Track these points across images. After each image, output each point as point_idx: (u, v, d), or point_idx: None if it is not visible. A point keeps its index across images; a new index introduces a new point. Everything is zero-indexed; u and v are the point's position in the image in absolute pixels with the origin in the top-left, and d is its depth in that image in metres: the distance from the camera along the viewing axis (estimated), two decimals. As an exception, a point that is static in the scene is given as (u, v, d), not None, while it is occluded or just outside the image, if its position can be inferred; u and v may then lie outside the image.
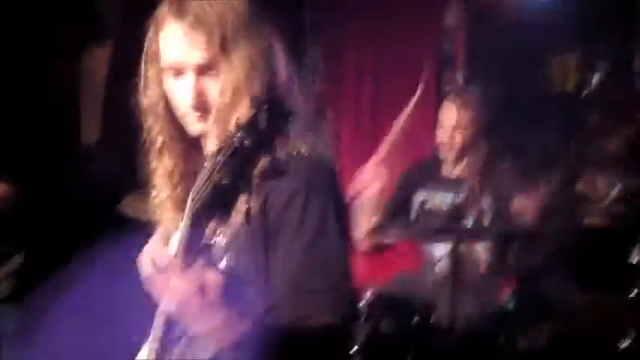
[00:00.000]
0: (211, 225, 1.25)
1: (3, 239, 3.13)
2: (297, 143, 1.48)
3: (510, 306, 3.06)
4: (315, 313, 1.43)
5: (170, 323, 1.40)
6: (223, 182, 1.14)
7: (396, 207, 3.62)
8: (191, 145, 1.65)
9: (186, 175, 1.66)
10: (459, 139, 3.51)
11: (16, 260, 3.19)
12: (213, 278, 1.24)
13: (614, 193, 4.09)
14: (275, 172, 1.16)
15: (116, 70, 4.70)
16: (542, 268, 3.44)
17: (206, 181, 1.17)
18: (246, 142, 1.11)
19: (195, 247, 1.25)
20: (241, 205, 1.17)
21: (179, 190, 1.66)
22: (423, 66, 4.59)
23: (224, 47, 1.50)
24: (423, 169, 3.72)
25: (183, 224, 1.25)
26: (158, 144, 1.64)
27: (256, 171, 1.14)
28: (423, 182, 3.65)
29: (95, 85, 4.78)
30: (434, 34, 4.68)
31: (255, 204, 1.40)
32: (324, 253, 1.47)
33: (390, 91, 4.58)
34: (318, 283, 1.45)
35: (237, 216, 1.43)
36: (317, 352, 1.43)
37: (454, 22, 4.70)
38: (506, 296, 3.12)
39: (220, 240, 1.36)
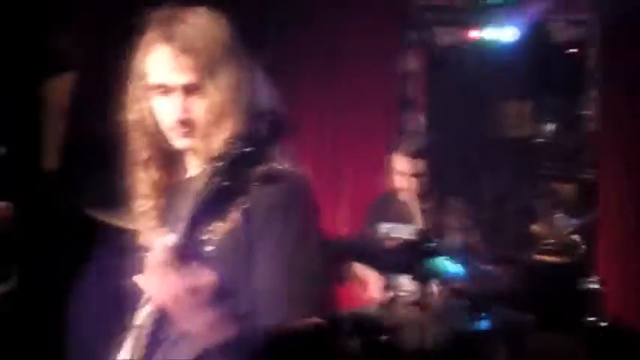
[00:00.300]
0: (204, 229, 1.32)
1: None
2: (278, 159, 1.54)
3: (476, 328, 3.10)
4: (292, 319, 1.51)
5: (159, 322, 1.43)
6: (224, 184, 1.21)
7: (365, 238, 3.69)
8: (174, 159, 1.72)
9: (169, 187, 1.73)
10: (413, 184, 3.62)
11: (13, 281, 3.13)
12: (205, 279, 1.29)
13: (568, 230, 4.25)
14: (271, 178, 1.25)
15: (78, 101, 4.73)
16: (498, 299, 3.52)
17: (206, 184, 1.23)
18: (248, 150, 1.20)
19: (190, 249, 1.31)
20: (236, 207, 1.25)
21: (163, 200, 1.72)
22: (385, 107, 4.76)
23: (211, 70, 1.58)
24: (385, 204, 3.79)
25: (181, 226, 1.30)
26: (144, 156, 1.69)
27: (254, 176, 1.22)
28: (385, 215, 3.73)
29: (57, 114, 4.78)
30: (395, 78, 4.79)
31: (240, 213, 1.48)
32: (302, 265, 1.54)
33: (350, 131, 4.67)
34: (296, 290, 1.52)
35: (226, 224, 1.50)
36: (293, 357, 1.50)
37: (414, 66, 4.85)
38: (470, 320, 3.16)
39: (211, 244, 1.40)
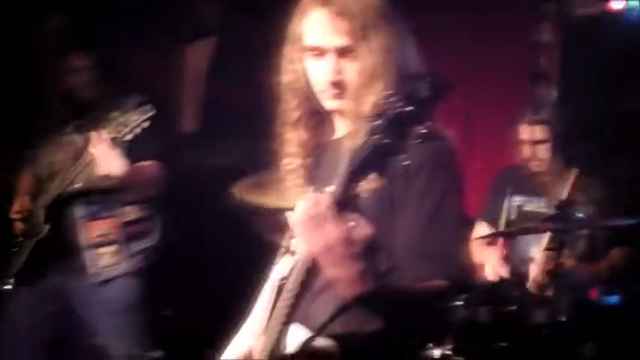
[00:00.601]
0: (358, 185, 1.36)
1: (144, 218, 3.31)
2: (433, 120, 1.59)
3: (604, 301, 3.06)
4: (430, 277, 1.55)
5: (303, 274, 1.50)
6: (384, 142, 1.25)
7: (491, 209, 3.69)
8: (322, 120, 1.82)
9: (316, 147, 1.83)
10: (540, 153, 3.57)
11: (153, 238, 3.35)
12: (358, 231, 1.34)
13: None
14: (429, 138, 1.27)
15: (216, 65, 4.92)
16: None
17: (364, 142, 1.28)
18: (409, 108, 1.23)
19: (344, 203, 1.35)
20: (394, 165, 1.28)
21: (310, 159, 1.83)
22: (517, 80, 4.70)
23: (364, 33, 1.64)
24: (515, 175, 3.77)
25: (337, 180, 1.36)
26: (295, 117, 1.80)
27: (413, 135, 1.25)
28: (516, 187, 3.71)
29: (197, 79, 4.99)
30: (528, 50, 4.71)
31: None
32: (443, 224, 1.59)
33: (481, 103, 4.63)
34: (435, 250, 1.57)
35: (373, 182, 1.56)
36: (425, 315, 1.55)
37: (549, 38, 4.75)
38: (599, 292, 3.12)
39: (360, 199, 1.44)
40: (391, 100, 1.26)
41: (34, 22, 3.55)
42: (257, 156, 4.68)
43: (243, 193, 3.37)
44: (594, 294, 3.15)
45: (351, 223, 1.37)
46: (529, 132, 3.61)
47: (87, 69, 3.11)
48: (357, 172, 1.30)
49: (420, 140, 1.26)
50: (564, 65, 4.75)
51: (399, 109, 1.23)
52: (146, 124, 2.86)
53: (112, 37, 3.56)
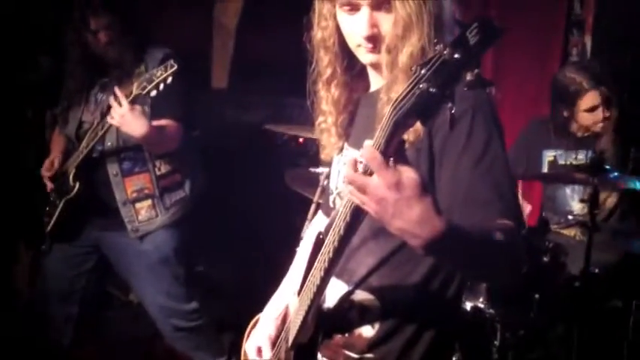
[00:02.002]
0: (402, 136, 1.32)
1: (176, 171, 3.35)
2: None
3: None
4: (486, 218, 1.49)
5: (349, 228, 1.46)
6: (431, 90, 1.20)
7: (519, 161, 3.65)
8: (356, 76, 1.80)
9: (350, 103, 1.82)
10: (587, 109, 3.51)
11: (186, 189, 3.39)
12: (409, 176, 1.28)
13: None
14: (480, 83, 1.22)
15: (246, 20, 4.89)
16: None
17: (410, 90, 1.24)
18: (456, 55, 1.18)
19: (388, 157, 1.30)
20: (444, 111, 1.23)
21: (344, 116, 1.82)
22: (552, 28, 4.60)
23: None
24: (545, 127, 3.71)
25: (378, 135, 1.31)
26: (327, 74, 1.78)
27: (461, 82, 1.21)
28: (547, 139, 3.66)
29: (226, 35, 4.97)
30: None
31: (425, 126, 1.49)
32: (491, 167, 1.55)
33: (514, 51, 4.55)
34: (487, 194, 1.53)
35: (412, 133, 1.53)
36: (495, 251, 1.47)
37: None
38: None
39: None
40: (438, 47, 1.21)
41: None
42: (286, 111, 4.69)
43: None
44: (628, 245, 3.12)
45: (402, 168, 1.30)
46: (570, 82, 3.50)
47: (110, 28, 3.11)
48: (400, 122, 1.27)
49: (467, 88, 1.21)
50: (600, 13, 4.64)
51: (446, 57, 1.19)
52: (170, 80, 2.85)
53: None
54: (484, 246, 1.44)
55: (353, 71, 1.79)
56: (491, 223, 1.48)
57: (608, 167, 3.05)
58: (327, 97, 1.80)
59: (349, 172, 1.35)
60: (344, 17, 1.68)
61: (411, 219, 1.29)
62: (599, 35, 4.59)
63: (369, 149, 1.30)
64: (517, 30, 4.42)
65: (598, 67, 3.58)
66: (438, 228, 1.30)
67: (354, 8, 1.65)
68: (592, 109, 3.45)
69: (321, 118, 1.83)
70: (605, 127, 3.47)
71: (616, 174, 3.03)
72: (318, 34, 1.76)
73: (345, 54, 1.75)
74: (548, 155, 3.66)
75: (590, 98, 3.43)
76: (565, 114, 3.52)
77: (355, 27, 1.66)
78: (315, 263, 1.62)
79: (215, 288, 4.20)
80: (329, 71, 1.78)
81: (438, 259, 1.58)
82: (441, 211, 1.32)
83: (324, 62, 1.77)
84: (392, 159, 1.31)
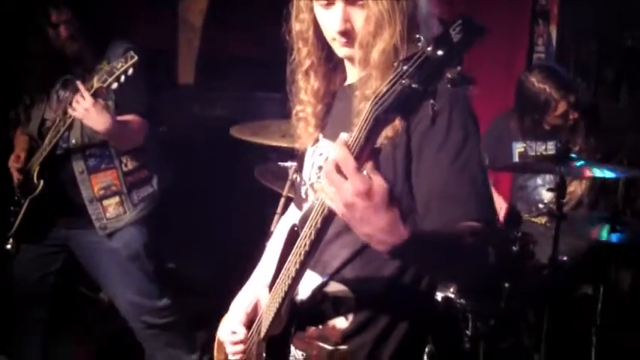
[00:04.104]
0: (380, 133, 1.31)
1: (143, 166, 3.33)
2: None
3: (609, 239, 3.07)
4: (462, 217, 1.52)
5: (325, 220, 1.46)
6: (413, 86, 1.20)
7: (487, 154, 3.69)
8: (333, 67, 1.81)
9: (328, 94, 1.83)
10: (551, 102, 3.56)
11: (153, 185, 3.37)
12: (380, 184, 1.30)
13: None
14: (463, 80, 1.22)
15: (211, 17, 4.87)
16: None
17: (392, 86, 1.24)
18: (439, 52, 1.18)
19: (366, 152, 1.32)
20: (425, 108, 1.23)
21: (321, 106, 1.82)
22: (518, 19, 4.63)
23: None
24: (512, 121, 3.75)
25: (358, 129, 1.31)
26: (306, 65, 1.80)
27: (443, 79, 1.21)
28: (515, 132, 3.70)
29: (191, 31, 4.95)
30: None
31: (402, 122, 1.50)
32: (468, 163, 1.56)
33: (480, 42, 4.56)
34: (463, 190, 1.55)
35: (388, 130, 1.53)
36: (462, 256, 1.49)
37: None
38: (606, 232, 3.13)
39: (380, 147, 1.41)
40: (420, 43, 1.21)
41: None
42: (255, 106, 4.67)
43: (243, 134, 3.33)
44: (595, 233, 3.15)
45: (372, 174, 1.31)
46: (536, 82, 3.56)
47: (71, 22, 3.06)
48: (381, 118, 1.27)
49: (449, 85, 1.22)
50: (565, 3, 4.68)
51: (429, 54, 1.19)
52: (131, 71, 2.82)
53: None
54: (449, 252, 1.48)
55: (331, 63, 1.80)
56: (461, 225, 1.51)
57: (573, 156, 3.08)
58: (307, 87, 1.81)
59: (329, 169, 1.34)
60: (320, 11, 1.69)
61: (377, 226, 1.32)
62: (564, 25, 4.64)
63: (343, 152, 1.31)
64: (482, 22, 4.43)
65: (563, 74, 3.67)
66: (404, 236, 1.33)
67: (330, 3, 1.66)
68: (562, 115, 3.52)
69: (299, 107, 1.84)
70: (574, 123, 3.56)
71: (582, 162, 3.06)
72: (296, 26, 1.77)
73: (323, 46, 1.76)
74: (518, 147, 3.71)
75: (560, 107, 3.52)
76: (533, 118, 3.59)
77: (330, 21, 1.67)
78: (290, 256, 1.61)
79: (187, 284, 4.18)
80: (308, 62, 1.79)
81: (404, 263, 1.61)
82: (405, 219, 1.34)
83: (303, 53, 1.79)
84: (370, 163, 1.32)
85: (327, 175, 1.35)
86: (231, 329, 1.93)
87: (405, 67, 1.21)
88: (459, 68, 1.20)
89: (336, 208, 1.35)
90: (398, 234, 1.33)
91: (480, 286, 3.00)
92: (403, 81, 1.21)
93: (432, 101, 1.22)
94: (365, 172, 1.32)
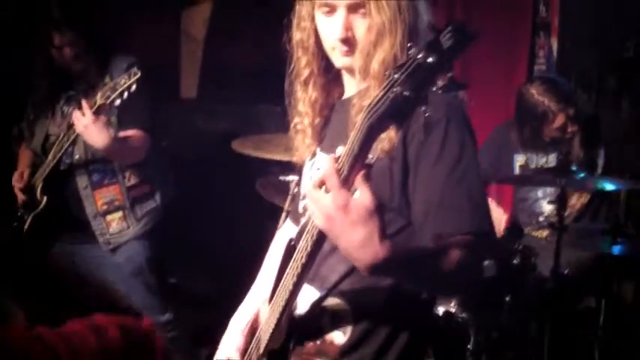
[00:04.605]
0: (373, 144, 1.33)
1: (146, 181, 3.33)
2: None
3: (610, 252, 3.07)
4: (456, 230, 1.53)
5: (321, 233, 1.47)
6: (405, 94, 1.22)
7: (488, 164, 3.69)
8: (332, 79, 1.82)
9: (326, 107, 1.84)
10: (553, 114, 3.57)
11: (156, 199, 3.37)
12: (360, 200, 1.32)
13: None
14: (454, 86, 1.23)
15: (213, 30, 4.89)
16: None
17: (384, 95, 1.25)
18: (430, 59, 1.20)
19: (359, 163, 1.33)
20: (418, 115, 1.25)
21: (319, 119, 1.83)
22: (518, 31, 4.64)
23: None
24: (513, 132, 3.75)
25: (352, 139, 1.33)
26: (305, 75, 1.80)
27: (435, 86, 1.23)
28: (516, 143, 3.71)
29: (194, 45, 4.97)
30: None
31: (398, 134, 1.52)
32: (464, 176, 1.57)
33: (482, 55, 4.58)
34: (459, 203, 1.55)
35: (384, 143, 1.54)
36: (449, 270, 1.49)
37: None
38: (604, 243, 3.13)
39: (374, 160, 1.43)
40: (412, 51, 1.23)
41: None
42: (256, 119, 4.67)
43: (244, 148, 3.35)
44: (597, 245, 3.15)
45: (357, 191, 1.34)
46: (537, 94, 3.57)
47: (74, 44, 3.09)
48: (375, 126, 1.28)
49: (441, 91, 1.24)
50: (566, 15, 4.68)
51: (420, 61, 1.20)
52: (134, 87, 2.84)
53: (104, 3, 3.53)
54: (434, 267, 1.48)
55: (330, 74, 1.81)
56: (454, 237, 1.51)
57: (574, 169, 3.09)
58: (305, 98, 1.82)
59: (309, 185, 1.37)
60: (321, 18, 1.71)
61: (353, 242, 1.34)
62: (565, 37, 4.64)
63: (328, 167, 1.33)
64: (483, 35, 4.42)
65: (564, 86, 3.67)
66: (380, 255, 1.35)
67: (332, 10, 1.67)
68: (561, 127, 3.53)
69: (297, 119, 1.85)
70: (573, 135, 3.55)
71: (582, 175, 3.07)
72: (297, 35, 1.78)
73: (323, 56, 1.77)
74: (519, 159, 3.71)
75: (559, 120, 3.52)
76: (533, 130, 3.60)
77: (331, 29, 1.68)
78: (287, 269, 1.62)
79: (189, 299, 4.18)
80: (307, 72, 1.80)
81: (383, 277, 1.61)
82: (391, 232, 1.36)
83: (303, 63, 1.79)
84: (361, 175, 1.33)
85: (308, 190, 1.38)
86: (227, 355, 1.93)
87: (396, 76, 1.23)
88: (450, 74, 1.22)
89: (319, 222, 1.37)
90: (373, 251, 1.34)
91: (480, 298, 3.00)
92: (395, 89, 1.23)
93: (423, 108, 1.23)
94: (356, 184, 1.33)
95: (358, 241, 1.33)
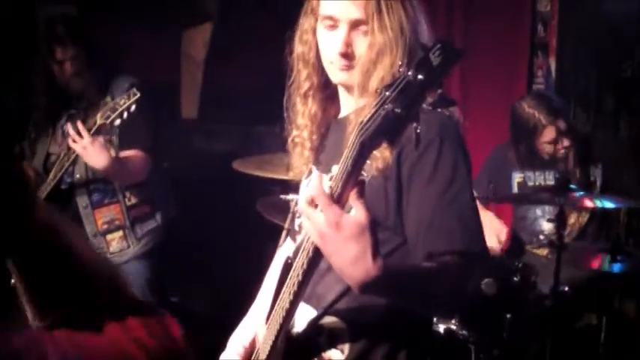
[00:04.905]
0: (366, 161, 1.35)
1: (146, 201, 3.34)
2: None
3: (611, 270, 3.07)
4: (449, 250, 1.54)
5: (317, 250, 1.48)
6: (396, 111, 1.24)
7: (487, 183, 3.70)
8: (329, 96, 1.84)
9: (324, 123, 1.85)
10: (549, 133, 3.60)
11: (157, 219, 3.38)
12: (353, 217, 1.34)
13: None
14: (444, 102, 1.26)
15: (214, 52, 4.93)
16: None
17: (376, 112, 1.27)
18: (420, 76, 1.22)
19: (352, 180, 1.34)
20: (412, 134, 1.26)
21: (317, 135, 1.85)
22: (517, 51, 4.67)
23: (379, 8, 1.66)
24: (511, 151, 3.77)
25: (345, 156, 1.35)
26: (305, 88, 1.82)
27: (426, 102, 1.25)
28: (514, 162, 3.72)
29: (194, 66, 5.00)
30: (527, 20, 4.68)
31: (391, 154, 1.54)
32: (456, 197, 1.58)
33: (480, 76, 4.61)
34: (451, 224, 1.56)
35: (378, 162, 1.56)
36: (440, 288, 1.52)
37: (546, 7, 4.71)
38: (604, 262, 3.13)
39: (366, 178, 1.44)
40: (402, 69, 1.25)
41: (22, 13, 3.54)
42: (256, 139, 4.68)
43: (245, 168, 3.36)
44: (597, 263, 3.16)
45: (352, 210, 1.35)
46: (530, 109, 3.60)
47: (76, 59, 3.12)
48: (367, 143, 1.30)
49: (431, 108, 1.25)
50: (564, 35, 4.72)
51: (410, 78, 1.22)
52: (134, 107, 2.86)
53: (106, 23, 3.57)
54: (425, 286, 1.51)
55: (328, 91, 1.82)
56: (442, 258, 1.53)
57: (573, 187, 3.10)
58: (304, 111, 1.83)
59: (301, 202, 1.39)
60: (323, 32, 1.73)
61: (345, 259, 1.36)
62: (563, 57, 4.67)
63: (316, 185, 1.35)
64: (482, 55, 4.48)
65: (555, 100, 3.70)
66: (371, 272, 1.36)
67: (334, 25, 1.69)
68: (552, 142, 3.55)
69: (295, 132, 1.86)
70: (568, 153, 3.57)
71: (581, 193, 3.08)
72: (298, 48, 1.80)
73: (323, 70, 1.78)
74: (517, 177, 3.73)
75: (549, 133, 3.56)
76: (527, 145, 3.62)
77: (331, 43, 1.70)
78: (284, 287, 1.62)
79: (190, 319, 4.16)
80: (307, 85, 1.81)
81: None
82: (384, 252, 1.38)
83: (303, 76, 1.81)
84: (354, 192, 1.34)
85: (300, 207, 1.40)
86: None
87: (387, 93, 1.25)
88: (439, 91, 1.24)
89: (313, 239, 1.39)
90: (365, 269, 1.36)
91: (481, 316, 3.00)
92: (386, 106, 1.24)
93: (415, 124, 1.25)
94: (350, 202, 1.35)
95: (350, 258, 1.35)
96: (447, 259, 1.53)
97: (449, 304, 1.67)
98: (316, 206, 1.37)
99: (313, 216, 1.36)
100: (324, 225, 1.34)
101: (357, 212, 1.34)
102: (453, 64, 1.23)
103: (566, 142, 3.56)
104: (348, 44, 1.67)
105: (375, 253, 1.36)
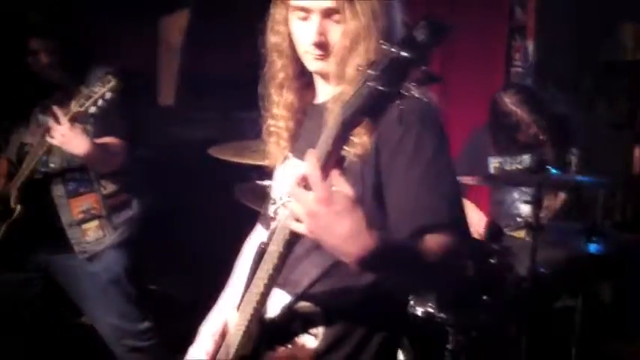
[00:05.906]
0: (348, 142, 1.34)
1: (123, 190, 3.31)
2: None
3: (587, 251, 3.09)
4: (433, 227, 1.52)
5: (292, 236, 1.47)
6: (380, 88, 1.22)
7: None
8: (306, 84, 1.82)
9: (299, 111, 1.83)
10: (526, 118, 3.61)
11: (133, 207, 3.36)
12: (341, 190, 1.32)
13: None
14: (429, 79, 1.25)
15: (190, 38, 4.90)
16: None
17: (358, 90, 1.26)
18: (404, 53, 1.20)
19: (333, 159, 1.34)
20: (391, 120, 1.25)
21: (294, 122, 1.82)
22: (495, 34, 4.67)
23: None
24: (488, 135, 3.78)
25: (326, 135, 1.34)
26: (280, 78, 1.80)
27: (409, 80, 1.23)
28: (490, 147, 3.73)
29: (171, 52, 4.97)
30: (505, 2, 4.68)
31: (370, 138, 1.53)
32: (439, 178, 1.58)
33: (458, 59, 4.60)
34: (435, 205, 1.55)
35: (356, 148, 1.54)
36: (433, 265, 1.50)
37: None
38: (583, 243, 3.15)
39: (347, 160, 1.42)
40: (386, 46, 1.23)
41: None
42: (234, 126, 4.67)
43: (223, 154, 3.35)
44: (574, 244, 3.18)
45: (336, 182, 1.34)
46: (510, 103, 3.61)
47: (51, 49, 3.09)
48: (348, 122, 1.29)
49: (416, 85, 1.24)
50: (541, 17, 4.72)
51: (394, 55, 1.21)
52: (109, 95, 2.84)
53: (82, 10, 3.53)
54: (420, 261, 1.48)
55: (304, 78, 1.81)
56: (432, 236, 1.51)
57: (549, 167, 3.11)
58: (280, 101, 1.81)
59: (294, 183, 1.37)
60: (296, 23, 1.71)
61: (340, 234, 1.33)
62: (541, 40, 4.67)
63: (310, 164, 1.33)
64: (459, 38, 4.47)
65: (538, 95, 3.69)
66: (369, 244, 1.34)
67: (306, 15, 1.67)
68: (533, 136, 3.57)
69: (271, 122, 1.84)
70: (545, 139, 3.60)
71: (557, 172, 3.09)
72: (271, 38, 1.78)
73: (298, 59, 1.76)
74: (494, 162, 3.74)
75: (531, 130, 3.56)
76: (506, 136, 3.64)
77: (305, 33, 1.68)
78: (258, 272, 1.61)
79: (169, 306, 4.16)
80: (282, 75, 1.79)
81: (374, 274, 1.60)
82: (371, 227, 1.34)
83: (277, 66, 1.79)
84: (335, 171, 1.33)
85: (292, 189, 1.37)
86: None
87: (370, 71, 1.24)
88: (424, 68, 1.22)
89: (304, 222, 1.36)
90: (362, 243, 1.34)
91: (459, 298, 3.01)
92: (369, 83, 1.23)
93: (398, 102, 1.24)
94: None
95: (345, 233, 1.33)
96: (435, 237, 1.51)
97: (442, 279, 1.65)
98: (305, 187, 1.35)
99: (302, 196, 1.34)
100: (313, 203, 1.32)
101: (342, 188, 1.33)
102: (440, 40, 1.21)
103: (545, 136, 3.57)
104: (322, 33, 1.65)
105: (369, 226, 1.34)
